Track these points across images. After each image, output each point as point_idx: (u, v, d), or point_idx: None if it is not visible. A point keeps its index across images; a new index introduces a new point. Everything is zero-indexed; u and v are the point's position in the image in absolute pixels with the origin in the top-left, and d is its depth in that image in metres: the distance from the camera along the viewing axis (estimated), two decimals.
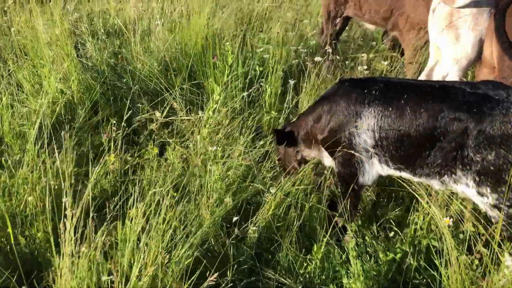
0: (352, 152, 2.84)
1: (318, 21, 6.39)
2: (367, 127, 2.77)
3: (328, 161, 3.23)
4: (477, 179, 2.52)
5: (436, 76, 3.96)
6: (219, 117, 3.93)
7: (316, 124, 3.11)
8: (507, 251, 2.56)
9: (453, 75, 3.77)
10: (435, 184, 2.75)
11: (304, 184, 3.11)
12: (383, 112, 2.71)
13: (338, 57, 5.01)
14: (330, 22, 5.34)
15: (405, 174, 2.85)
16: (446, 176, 2.64)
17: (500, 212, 2.50)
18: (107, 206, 2.84)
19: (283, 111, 4.06)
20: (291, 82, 4.21)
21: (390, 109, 2.69)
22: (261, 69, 4.60)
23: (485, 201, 2.54)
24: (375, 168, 2.91)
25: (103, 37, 5.55)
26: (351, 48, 5.39)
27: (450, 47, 3.71)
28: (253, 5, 7.14)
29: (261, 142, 3.73)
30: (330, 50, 5.06)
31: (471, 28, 3.59)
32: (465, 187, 2.60)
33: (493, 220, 2.60)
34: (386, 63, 4.63)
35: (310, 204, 3.05)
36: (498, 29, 3.16)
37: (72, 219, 2.19)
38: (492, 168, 2.46)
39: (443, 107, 2.56)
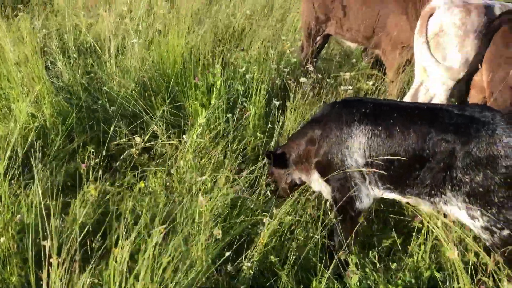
0: (347, 174, 2.78)
1: (296, 38, 6.33)
2: (358, 145, 2.74)
3: (317, 185, 3.15)
4: (467, 200, 2.51)
5: (422, 97, 3.94)
6: (204, 141, 3.76)
7: (308, 147, 3.06)
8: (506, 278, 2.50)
9: (440, 96, 3.75)
10: (424, 204, 2.73)
11: (299, 214, 2.98)
12: (373, 130, 2.70)
13: (320, 76, 4.94)
14: (311, 40, 5.28)
15: (394, 195, 2.82)
16: (436, 197, 2.63)
17: (492, 235, 2.47)
18: (88, 243, 2.64)
19: (273, 134, 3.92)
20: (276, 103, 4.10)
21: (380, 128, 2.69)
22: (243, 88, 4.48)
23: (476, 224, 2.52)
24: (369, 192, 2.85)
25: (75, 55, 5.29)
26: (332, 66, 5.33)
27: (436, 67, 3.68)
28: (228, 20, 7.04)
29: (250, 168, 3.57)
30: (312, 69, 4.99)
31: (458, 49, 3.59)
32: (456, 209, 2.58)
33: (487, 243, 2.55)
34: (371, 83, 4.58)
35: (306, 234, 2.92)
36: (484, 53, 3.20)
37: (58, 268, 1.98)
38: (481, 189, 2.45)
39: (431, 128, 2.56)
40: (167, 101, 4.29)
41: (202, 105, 4.25)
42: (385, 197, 2.91)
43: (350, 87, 4.29)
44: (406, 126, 2.63)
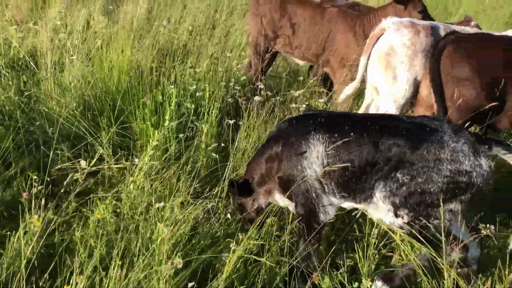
0: (308, 186, 2.82)
1: (242, 55, 6.30)
2: (316, 154, 2.78)
3: (281, 202, 3.13)
4: (396, 201, 2.62)
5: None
6: (156, 164, 3.57)
7: (269, 165, 3.06)
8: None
9: (392, 113, 3.83)
10: (370, 207, 2.81)
11: (264, 238, 2.88)
12: (330, 138, 2.76)
13: (269, 93, 4.90)
14: (260, 57, 5.26)
15: (347, 203, 2.89)
16: (376, 197, 2.70)
17: (410, 228, 2.61)
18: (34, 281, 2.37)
19: (227, 153, 3.81)
20: (230, 121, 4.00)
21: (336, 135, 2.74)
22: (193, 107, 4.34)
23: (399, 222, 2.64)
24: (331, 201, 2.88)
25: (6, 72, 4.87)
26: (281, 83, 5.34)
27: (388, 87, 3.79)
28: (170, 36, 6.87)
29: (206, 190, 3.43)
30: (262, 86, 4.95)
31: (407, 69, 3.71)
32: (381, 209, 2.70)
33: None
34: (322, 100, 4.62)
35: (273, 259, 2.82)
36: (431, 72, 3.34)
37: None
38: (418, 190, 2.56)
39: (384, 134, 2.65)
40: (113, 122, 4.05)
41: (152, 125, 4.06)
42: (343, 206, 2.95)
43: (303, 105, 4.29)
44: (360, 133, 2.71)
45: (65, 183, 3.51)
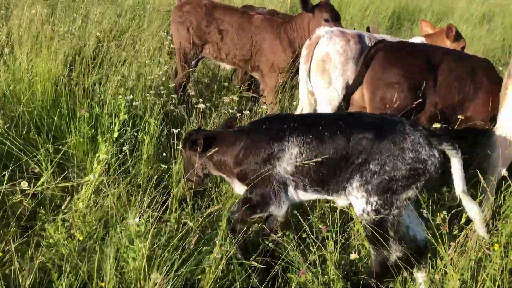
0: (270, 181, 2.99)
1: (161, 62, 6.20)
2: (289, 156, 2.95)
3: (238, 189, 3.27)
4: (369, 188, 2.85)
5: None
6: (105, 179, 3.43)
7: (233, 157, 3.15)
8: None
9: None
10: (341, 199, 3.06)
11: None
12: (304, 140, 2.93)
13: (201, 100, 4.94)
14: (186, 64, 5.26)
15: (319, 196, 3.10)
16: (348, 189, 2.94)
17: (375, 216, 2.86)
18: None
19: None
20: (175, 130, 3.98)
21: (311, 136, 2.93)
22: (126, 117, 4.21)
23: (368, 208, 2.87)
24: (289, 196, 3.08)
25: None
26: (208, 89, 5.39)
27: (324, 90, 4.08)
28: (78, 43, 6.51)
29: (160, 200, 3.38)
30: (193, 93, 4.97)
31: (340, 74, 4.03)
32: (355, 197, 2.92)
33: (363, 222, 2.93)
34: (265, 106, 4.78)
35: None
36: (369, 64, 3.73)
37: None
38: (387, 178, 2.82)
39: (353, 129, 2.90)
40: (47, 138, 3.77)
41: (91, 139, 3.87)
42: (309, 199, 3.17)
43: (238, 113, 4.39)
44: (333, 130, 2.91)
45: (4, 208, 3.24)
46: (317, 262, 2.92)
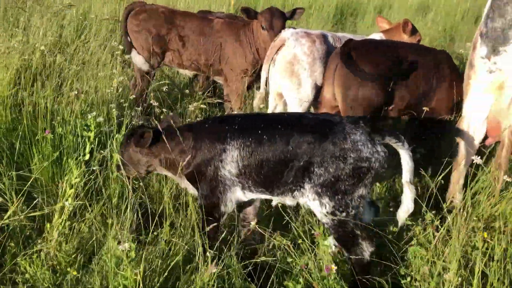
0: (217, 184, 3.03)
1: (114, 73, 5.95)
2: (231, 158, 2.96)
3: (183, 185, 3.30)
4: (319, 190, 2.87)
5: None
6: (79, 203, 3.24)
7: (179, 157, 3.14)
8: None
9: None
10: (287, 200, 3.08)
11: None
12: (244, 143, 2.94)
13: (164, 110, 4.79)
14: (147, 73, 5.09)
15: (265, 196, 3.12)
16: (296, 191, 2.95)
17: (333, 218, 2.88)
18: None
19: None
20: None
21: (250, 139, 2.94)
22: (91, 134, 4.00)
23: (323, 210, 2.89)
24: (236, 196, 3.10)
25: None
26: (170, 97, 5.25)
27: (294, 92, 4.08)
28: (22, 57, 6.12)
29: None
30: (156, 103, 4.81)
31: (309, 75, 4.04)
32: (308, 200, 2.93)
33: (327, 226, 2.96)
34: (235, 112, 4.70)
35: None
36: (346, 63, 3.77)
37: None
38: (332, 179, 2.83)
39: (293, 132, 2.89)
40: (4, 163, 3.51)
41: (55, 161, 3.64)
42: (257, 197, 3.18)
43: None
44: (272, 133, 2.91)
45: None
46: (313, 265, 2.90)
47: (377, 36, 4.70)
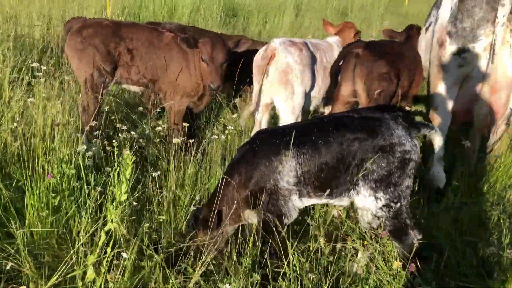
0: (278, 195, 3.03)
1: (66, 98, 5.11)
2: (289, 168, 3.00)
3: (252, 216, 3.18)
4: (373, 185, 3.06)
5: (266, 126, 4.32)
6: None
7: (238, 187, 3.09)
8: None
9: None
10: (344, 201, 3.19)
11: None
12: (300, 150, 3.01)
13: (132, 133, 4.37)
14: (96, 95, 4.57)
15: (323, 200, 3.20)
16: (352, 190, 3.10)
17: (389, 210, 3.08)
18: None
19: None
20: (155, 174, 3.49)
21: (306, 146, 3.02)
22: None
23: (378, 204, 3.07)
24: (296, 204, 3.13)
25: None
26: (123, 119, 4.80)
27: (288, 101, 4.11)
28: None
29: None
30: (125, 127, 4.37)
31: (300, 82, 4.11)
32: (364, 196, 3.08)
33: (381, 220, 3.10)
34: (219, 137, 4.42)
35: None
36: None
37: None
38: (385, 173, 3.04)
39: (345, 132, 3.04)
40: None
41: (56, 209, 3.12)
42: (314, 203, 3.23)
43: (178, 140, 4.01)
44: (325, 136, 3.02)
45: None
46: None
47: (333, 39, 4.95)
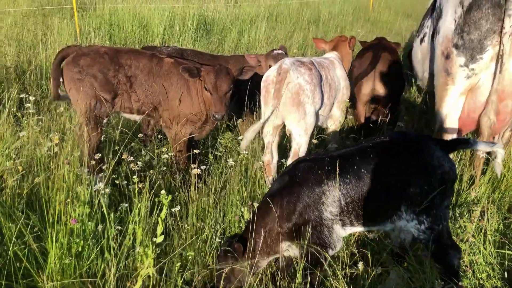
0: (322, 227, 2.99)
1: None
2: (333, 198, 2.96)
3: (291, 249, 3.13)
4: (416, 209, 3.01)
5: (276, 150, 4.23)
6: None
7: (280, 220, 3.02)
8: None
9: (305, 145, 4.11)
10: (387, 227, 3.15)
11: None
12: (343, 180, 2.97)
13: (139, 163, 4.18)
14: (97, 126, 4.37)
15: (366, 228, 3.15)
16: (394, 215, 3.06)
17: (431, 232, 3.06)
18: None
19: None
20: (175, 209, 3.33)
21: (348, 176, 2.98)
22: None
23: (421, 228, 3.04)
24: (339, 234, 3.09)
25: None
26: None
27: (301, 122, 4.02)
28: None
29: None
30: (131, 158, 4.17)
31: (312, 102, 4.03)
32: (406, 221, 3.06)
33: (422, 242, 3.10)
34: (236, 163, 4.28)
35: None
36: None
37: None
38: (427, 196, 2.98)
39: (386, 158, 3.02)
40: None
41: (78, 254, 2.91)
42: (357, 231, 3.20)
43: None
44: (368, 164, 2.98)
45: None
46: None
47: (332, 54, 4.92)
